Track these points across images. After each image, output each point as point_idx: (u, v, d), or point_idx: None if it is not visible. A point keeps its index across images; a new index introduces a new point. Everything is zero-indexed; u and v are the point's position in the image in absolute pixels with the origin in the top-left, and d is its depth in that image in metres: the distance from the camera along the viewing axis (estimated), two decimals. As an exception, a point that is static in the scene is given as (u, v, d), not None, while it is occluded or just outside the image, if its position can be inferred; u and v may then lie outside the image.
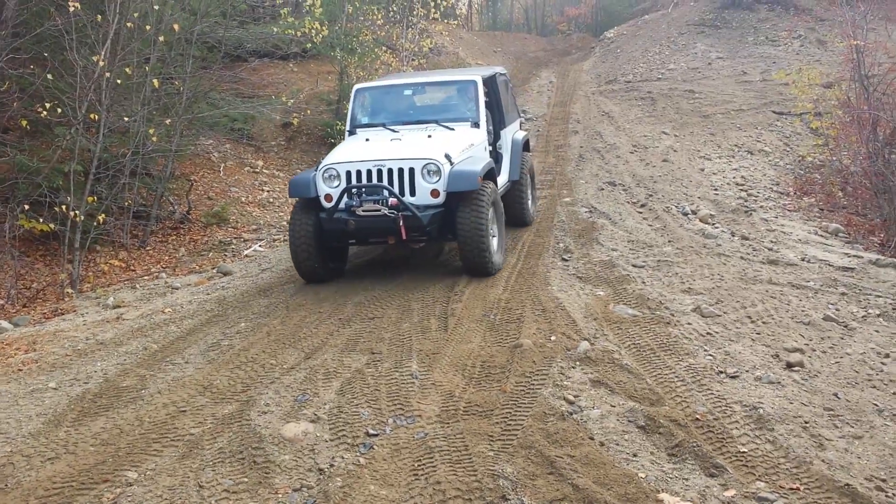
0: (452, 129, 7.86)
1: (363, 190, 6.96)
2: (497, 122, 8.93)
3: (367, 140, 7.81)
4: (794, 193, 12.02)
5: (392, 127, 8.05)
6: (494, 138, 8.82)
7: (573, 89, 21.82)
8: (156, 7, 10.25)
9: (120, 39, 9.55)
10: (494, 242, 7.41)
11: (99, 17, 9.19)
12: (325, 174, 7.14)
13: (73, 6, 8.54)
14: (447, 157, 7.03)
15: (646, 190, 11.60)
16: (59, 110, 8.85)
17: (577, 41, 36.66)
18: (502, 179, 8.72)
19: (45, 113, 8.62)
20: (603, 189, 11.77)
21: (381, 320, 6.25)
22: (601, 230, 9.32)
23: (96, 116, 9.21)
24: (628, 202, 10.97)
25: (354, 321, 6.29)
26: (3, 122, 9.74)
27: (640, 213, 10.40)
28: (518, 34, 40.18)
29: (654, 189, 11.63)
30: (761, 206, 10.83)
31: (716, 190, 11.64)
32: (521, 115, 9.60)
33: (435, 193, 6.96)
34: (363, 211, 6.85)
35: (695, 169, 12.98)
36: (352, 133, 8.37)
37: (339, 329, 6.11)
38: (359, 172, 7.01)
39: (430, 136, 7.61)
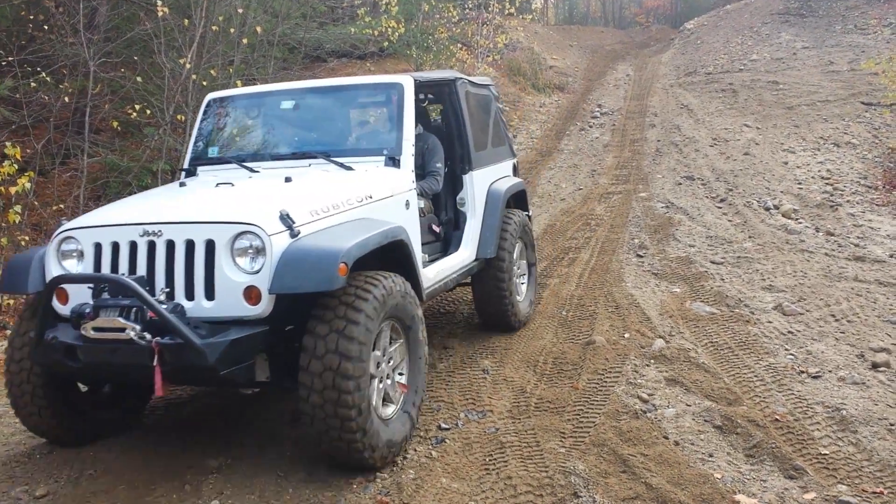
0: (350, 169, 4.57)
1: (103, 287, 3.56)
2: (460, 159, 5.57)
3: (181, 185, 4.68)
4: (884, 187, 11.52)
5: (252, 164, 4.82)
6: (451, 186, 5.62)
7: (651, 82, 21.42)
8: (240, 10, 10.57)
9: (205, 42, 9.89)
10: (395, 402, 3.97)
11: (186, 21, 9.54)
12: (62, 248, 3.86)
13: (162, 11, 8.88)
14: (285, 219, 3.59)
15: (726, 184, 11.32)
16: (148, 112, 9.24)
17: (655, 33, 35.94)
18: (459, 258, 5.30)
19: (134, 114, 9.02)
20: (680, 184, 11.54)
21: (452, 315, 6.32)
22: (678, 226, 9.15)
23: (183, 117, 9.56)
24: (707, 197, 10.73)
25: (427, 319, 6.36)
26: (96, 124, 10.21)
27: (720, 207, 10.16)
28: (594, 27, 39.67)
29: (734, 183, 11.34)
30: (848, 201, 10.43)
31: (800, 184, 11.27)
32: (515, 152, 6.79)
33: (252, 295, 3.49)
34: (95, 330, 3.41)
35: (777, 162, 12.59)
36: (189, 173, 5.12)
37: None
38: (115, 247, 3.68)
39: (287, 180, 4.23)
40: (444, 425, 4.27)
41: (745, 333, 5.62)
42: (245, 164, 4.84)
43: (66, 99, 8.90)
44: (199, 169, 5.08)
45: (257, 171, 4.73)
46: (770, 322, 5.87)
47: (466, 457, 3.92)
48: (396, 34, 14.86)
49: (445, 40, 16.76)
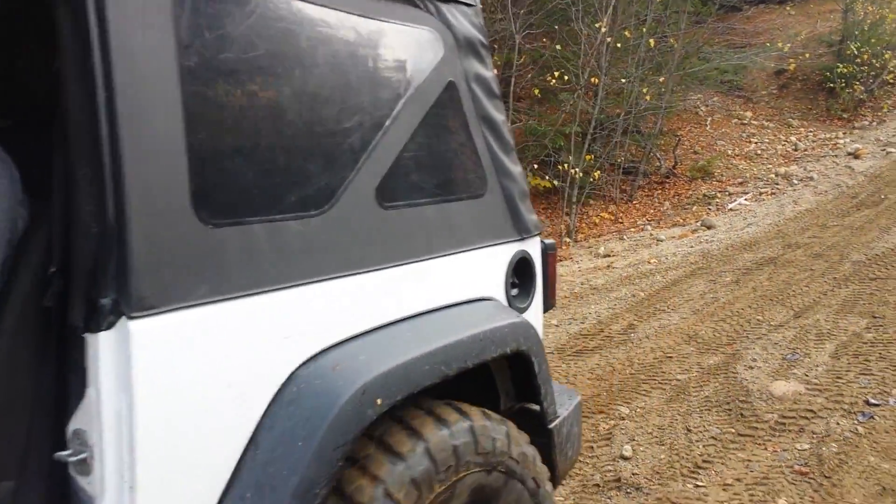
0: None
1: None
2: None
3: None
4: None
5: None
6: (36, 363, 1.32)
7: None
8: (654, -32, 10.56)
9: (620, 4, 10.10)
10: None
11: (602, -15, 9.84)
12: None
13: (580, -21, 9.29)
14: None
15: None
16: (566, 77, 9.78)
17: None
18: None
19: (553, 81, 9.62)
20: None
21: (884, 282, 5.70)
22: None
23: (597, 80, 9.93)
24: None
25: (852, 281, 5.84)
26: (518, 92, 11.09)
27: None
28: None
29: None
30: None
31: None
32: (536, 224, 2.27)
33: None
34: None
35: None
36: None
37: (834, 289, 5.74)
38: None
39: None
40: (872, 401, 3.94)
41: None
42: None
43: (494, 71, 9.85)
44: None
45: None
46: None
47: (898, 437, 3.58)
48: (823, -27, 13.46)
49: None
